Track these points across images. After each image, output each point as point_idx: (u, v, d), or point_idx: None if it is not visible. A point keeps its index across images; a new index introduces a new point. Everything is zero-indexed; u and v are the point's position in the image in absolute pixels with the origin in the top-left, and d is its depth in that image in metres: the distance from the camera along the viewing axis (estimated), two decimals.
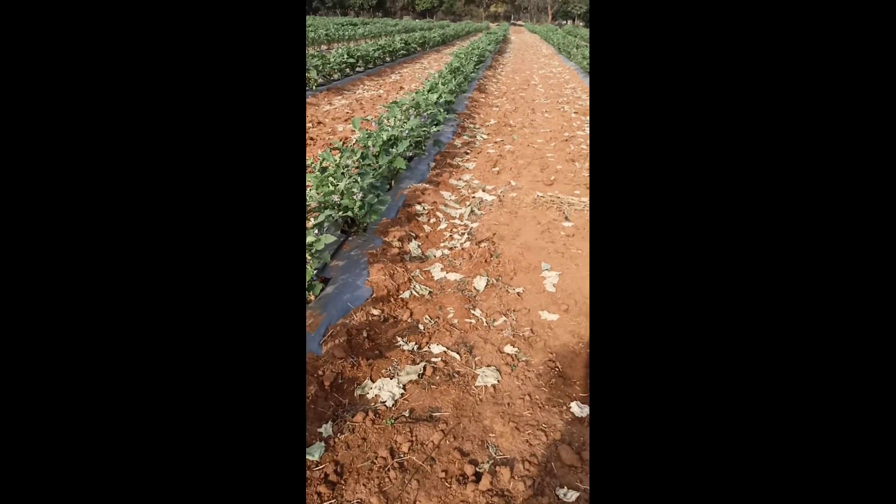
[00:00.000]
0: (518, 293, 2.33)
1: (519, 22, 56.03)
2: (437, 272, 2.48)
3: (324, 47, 14.02)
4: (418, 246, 2.69)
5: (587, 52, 11.57)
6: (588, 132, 5.49)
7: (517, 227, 3.04)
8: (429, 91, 4.97)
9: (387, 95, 7.45)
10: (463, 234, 2.93)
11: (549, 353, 1.92)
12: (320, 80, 7.88)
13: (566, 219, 3.20)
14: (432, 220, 3.07)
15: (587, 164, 4.32)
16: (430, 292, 2.30)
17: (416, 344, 1.94)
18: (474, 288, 2.36)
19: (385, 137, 3.26)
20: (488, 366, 1.84)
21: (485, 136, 5.23)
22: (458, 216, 3.19)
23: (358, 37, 16.45)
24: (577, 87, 8.74)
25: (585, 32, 27.09)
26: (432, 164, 4.10)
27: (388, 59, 11.54)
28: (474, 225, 3.06)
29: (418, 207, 3.16)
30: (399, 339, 1.96)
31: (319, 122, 5.67)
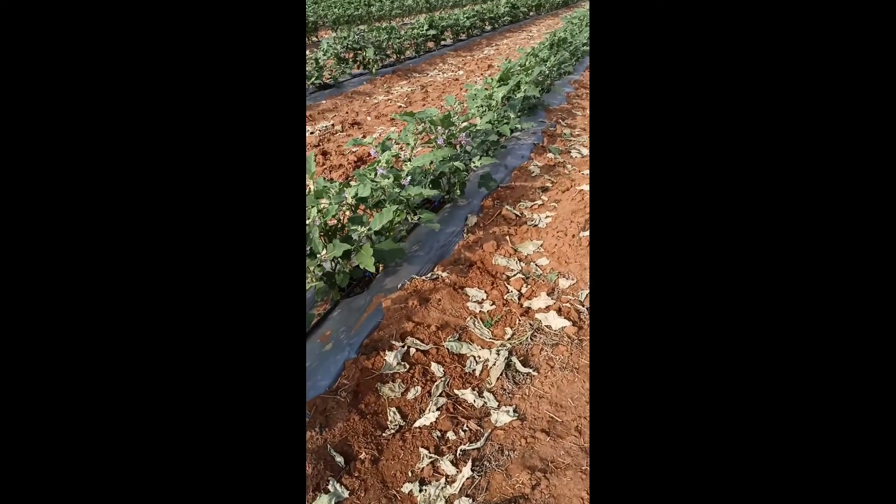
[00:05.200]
0: None
1: None
2: None
3: (407, 20, 11.93)
4: None
5: None
6: None
7: None
8: (498, 83, 3.20)
9: (466, 78, 5.75)
10: (463, 460, 1.28)
11: None
12: (389, 60, 6.42)
13: None
14: (410, 393, 1.45)
15: None
16: None
17: None
18: None
19: (352, 200, 1.68)
20: None
21: (583, 153, 3.36)
22: (472, 371, 1.54)
23: (451, 5, 14.30)
24: None
25: None
26: (472, 221, 2.41)
27: (487, 27, 9.67)
28: (503, 419, 1.37)
29: (390, 356, 1.53)
30: None
31: (354, 123, 4.22)
